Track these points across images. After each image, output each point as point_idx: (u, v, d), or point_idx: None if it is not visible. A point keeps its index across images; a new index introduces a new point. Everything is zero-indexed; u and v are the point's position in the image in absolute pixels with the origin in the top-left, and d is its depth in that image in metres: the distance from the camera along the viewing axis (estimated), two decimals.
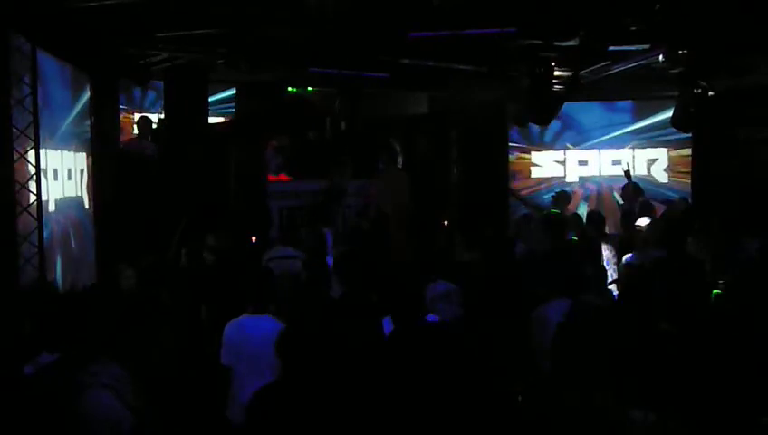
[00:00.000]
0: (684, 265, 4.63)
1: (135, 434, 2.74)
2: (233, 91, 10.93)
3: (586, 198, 11.31)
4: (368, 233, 8.31)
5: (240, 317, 4.68)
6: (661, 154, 11.28)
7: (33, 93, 5.88)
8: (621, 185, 10.00)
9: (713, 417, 3.10)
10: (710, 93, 8.15)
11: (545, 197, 10.91)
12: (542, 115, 9.24)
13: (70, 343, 3.47)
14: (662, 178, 11.25)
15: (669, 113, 10.03)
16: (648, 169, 11.26)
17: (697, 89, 8.17)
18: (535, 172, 11.44)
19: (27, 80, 5.86)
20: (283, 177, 10.46)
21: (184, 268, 6.65)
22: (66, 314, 3.65)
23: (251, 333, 4.50)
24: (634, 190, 9.54)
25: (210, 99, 10.17)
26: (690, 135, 10.80)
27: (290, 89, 11.31)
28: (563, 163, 11.45)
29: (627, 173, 9.88)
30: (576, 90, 8.88)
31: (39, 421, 2.88)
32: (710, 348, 3.40)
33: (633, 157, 11.14)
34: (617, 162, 11.07)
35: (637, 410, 2.61)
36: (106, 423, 2.72)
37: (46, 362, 3.44)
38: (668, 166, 11.25)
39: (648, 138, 11.23)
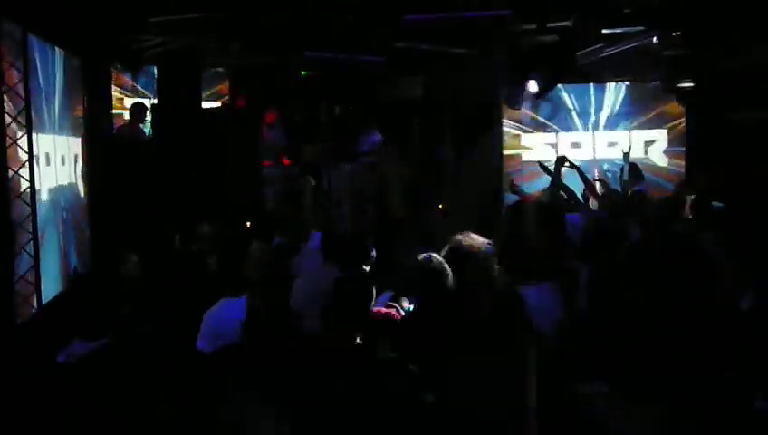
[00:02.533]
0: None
1: None
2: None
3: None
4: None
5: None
6: (659, 136, 11.23)
7: (25, 79, 5.84)
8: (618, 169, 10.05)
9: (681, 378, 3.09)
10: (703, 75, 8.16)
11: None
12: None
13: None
14: (661, 161, 11.23)
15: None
16: (646, 152, 11.23)
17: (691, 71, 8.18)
18: (526, 155, 11.39)
19: (19, 65, 5.82)
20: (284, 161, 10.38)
21: (178, 253, 6.65)
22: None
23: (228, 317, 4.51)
24: (630, 175, 9.46)
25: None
26: (685, 118, 10.84)
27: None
28: (555, 146, 11.36)
29: (626, 156, 9.89)
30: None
31: None
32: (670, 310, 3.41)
33: (630, 139, 11.11)
34: (612, 144, 11.08)
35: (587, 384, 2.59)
36: None
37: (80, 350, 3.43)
38: (666, 148, 11.22)
39: (643, 120, 11.22)
